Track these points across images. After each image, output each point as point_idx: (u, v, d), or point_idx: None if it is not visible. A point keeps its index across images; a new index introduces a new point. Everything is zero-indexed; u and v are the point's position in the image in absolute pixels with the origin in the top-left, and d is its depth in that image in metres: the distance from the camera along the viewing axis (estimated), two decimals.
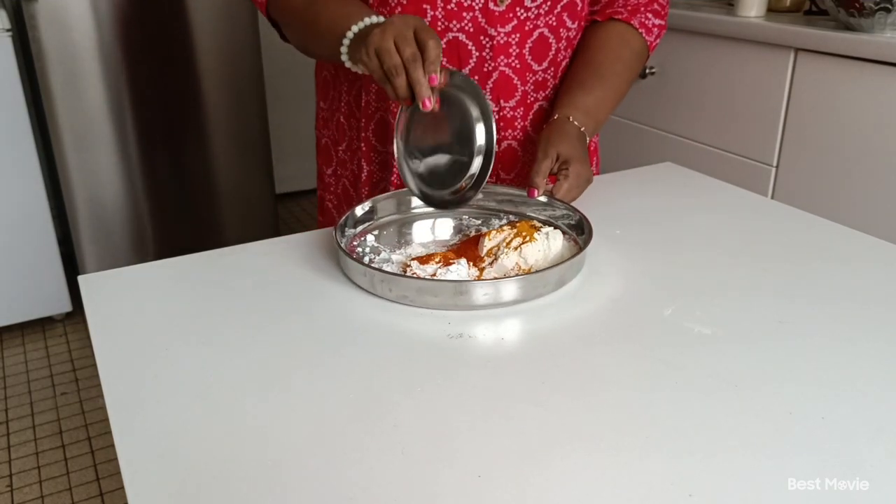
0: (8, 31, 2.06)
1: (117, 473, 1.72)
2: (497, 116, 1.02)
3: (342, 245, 0.79)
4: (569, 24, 1.02)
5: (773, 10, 1.89)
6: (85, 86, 2.22)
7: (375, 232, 0.89)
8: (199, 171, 2.49)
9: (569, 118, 0.96)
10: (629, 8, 1.06)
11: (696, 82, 1.96)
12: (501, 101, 1.01)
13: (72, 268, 2.42)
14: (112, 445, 1.66)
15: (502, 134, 1.04)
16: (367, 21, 0.86)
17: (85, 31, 2.17)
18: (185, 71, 2.37)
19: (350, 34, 0.86)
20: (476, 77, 0.99)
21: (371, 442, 0.56)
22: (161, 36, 2.30)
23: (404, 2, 0.95)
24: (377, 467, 0.53)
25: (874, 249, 0.88)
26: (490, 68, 0.99)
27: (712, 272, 0.82)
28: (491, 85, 1.00)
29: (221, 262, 0.85)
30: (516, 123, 1.04)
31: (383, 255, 0.83)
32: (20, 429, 1.95)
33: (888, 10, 1.52)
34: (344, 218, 0.86)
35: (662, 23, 1.09)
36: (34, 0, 2.08)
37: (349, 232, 0.87)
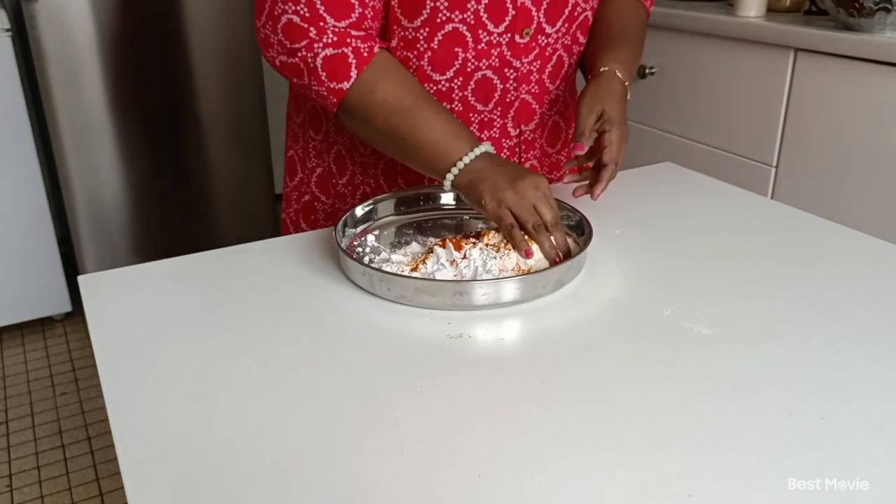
0: (8, 31, 2.06)
1: (117, 473, 1.71)
2: (519, 140, 1.04)
3: (342, 245, 0.79)
4: (581, 39, 1.04)
5: (772, 10, 1.89)
6: (85, 86, 2.22)
7: (376, 232, 0.89)
8: (198, 171, 2.49)
9: (615, 72, 0.95)
10: None
11: (696, 82, 1.96)
12: (522, 126, 1.03)
13: (72, 268, 2.42)
14: (112, 445, 1.66)
15: (525, 156, 1.06)
16: (475, 153, 0.84)
17: (85, 31, 2.17)
18: (185, 71, 2.37)
19: (460, 166, 0.84)
20: (499, 108, 1.00)
21: (371, 442, 0.56)
22: (161, 36, 2.30)
23: (435, 46, 0.92)
24: (377, 467, 0.53)
25: (874, 249, 0.88)
26: (512, 98, 0.99)
27: (712, 272, 0.82)
28: (513, 113, 1.01)
29: (221, 262, 0.85)
30: (535, 144, 1.06)
31: (383, 255, 0.83)
32: (20, 429, 1.95)
33: (888, 10, 1.52)
34: (344, 217, 0.86)
35: None
36: (34, 0, 2.08)
37: (349, 232, 0.87)
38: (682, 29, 1.93)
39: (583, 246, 0.81)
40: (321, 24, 0.83)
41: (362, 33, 0.87)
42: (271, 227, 2.70)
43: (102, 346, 0.69)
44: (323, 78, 0.85)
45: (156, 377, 0.64)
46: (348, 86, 0.85)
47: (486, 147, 0.85)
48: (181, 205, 2.49)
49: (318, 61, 0.84)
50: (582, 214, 0.86)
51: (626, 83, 0.96)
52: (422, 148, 0.85)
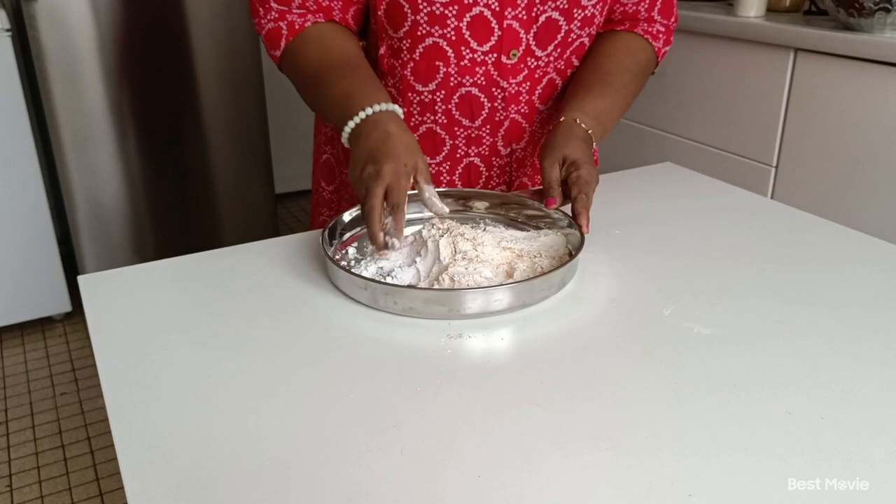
0: (8, 31, 2.06)
1: (117, 473, 1.72)
2: (510, 159, 1.04)
3: (329, 254, 0.78)
4: (576, 63, 1.03)
5: (772, 10, 1.89)
6: (84, 86, 2.22)
7: (355, 244, 0.88)
8: (198, 171, 2.49)
9: (576, 120, 0.93)
10: (638, 18, 1.06)
11: (696, 82, 1.96)
12: (513, 145, 1.03)
13: (72, 268, 2.42)
14: (112, 445, 1.66)
15: (517, 174, 1.06)
16: (367, 112, 0.84)
17: (85, 31, 2.17)
18: (185, 71, 2.36)
19: (355, 120, 0.84)
20: (488, 126, 1.00)
21: (371, 442, 0.56)
22: (161, 36, 2.30)
23: (417, 58, 0.95)
24: (377, 467, 0.53)
25: (874, 249, 0.88)
26: (502, 117, 1.00)
27: (712, 272, 0.82)
28: (503, 132, 1.01)
29: (221, 263, 0.85)
30: (527, 162, 1.06)
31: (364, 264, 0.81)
32: (20, 429, 1.95)
33: (888, 10, 1.52)
34: (329, 227, 0.84)
35: (664, 30, 1.07)
36: (34, 0, 2.08)
37: (334, 243, 0.85)
38: (682, 29, 1.93)
39: (575, 252, 0.79)
40: (267, 5, 0.96)
41: (303, 10, 0.95)
42: (271, 227, 2.69)
43: (102, 346, 0.69)
44: (268, 47, 0.97)
45: (156, 377, 0.64)
46: (279, 53, 0.96)
47: (384, 107, 0.84)
48: (181, 205, 2.49)
49: (263, 33, 0.97)
50: (571, 219, 0.85)
51: (590, 131, 0.93)
52: (330, 106, 0.90)
